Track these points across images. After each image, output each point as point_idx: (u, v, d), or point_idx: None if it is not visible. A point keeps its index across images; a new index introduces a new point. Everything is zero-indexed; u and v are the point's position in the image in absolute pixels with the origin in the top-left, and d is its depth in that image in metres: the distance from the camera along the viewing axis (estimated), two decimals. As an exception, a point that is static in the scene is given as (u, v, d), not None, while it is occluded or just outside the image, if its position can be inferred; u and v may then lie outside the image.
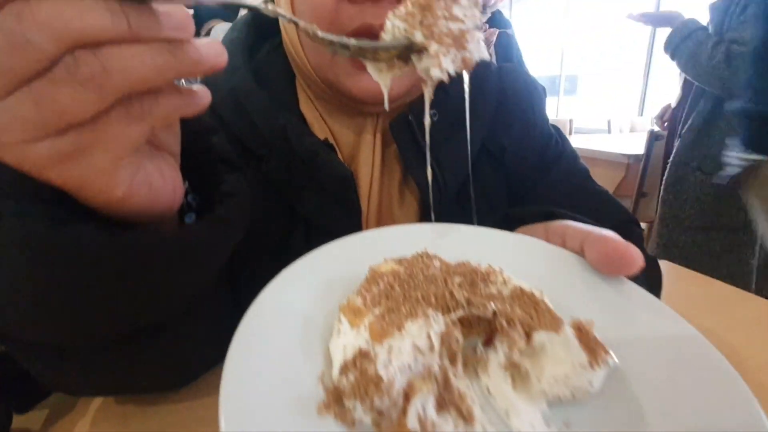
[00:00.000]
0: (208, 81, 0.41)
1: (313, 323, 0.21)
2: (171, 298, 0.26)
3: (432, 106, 0.40)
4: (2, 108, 0.16)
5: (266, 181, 0.39)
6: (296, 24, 0.21)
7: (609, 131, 2.87)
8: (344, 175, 0.38)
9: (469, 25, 0.21)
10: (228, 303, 0.35)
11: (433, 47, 0.21)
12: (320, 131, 0.41)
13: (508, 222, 0.33)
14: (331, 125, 0.42)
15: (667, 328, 0.22)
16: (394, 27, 0.22)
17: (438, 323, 0.18)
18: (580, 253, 0.26)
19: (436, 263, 0.23)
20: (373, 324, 0.18)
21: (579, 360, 0.19)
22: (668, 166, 1.39)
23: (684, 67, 1.28)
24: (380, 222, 0.44)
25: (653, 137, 1.71)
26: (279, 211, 0.40)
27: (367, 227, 0.43)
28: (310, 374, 0.18)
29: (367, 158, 0.41)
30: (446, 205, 0.42)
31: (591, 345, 0.19)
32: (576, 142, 2.51)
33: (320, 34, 0.21)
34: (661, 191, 1.40)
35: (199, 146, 0.28)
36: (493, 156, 0.44)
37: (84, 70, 0.16)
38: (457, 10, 0.21)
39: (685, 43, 1.23)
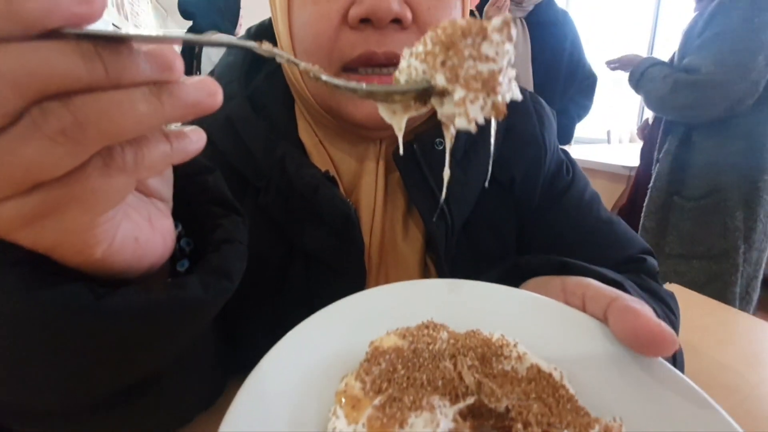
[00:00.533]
0: None
1: (306, 411, 0.19)
2: (161, 356, 0.24)
3: (437, 135, 0.39)
4: None
5: (264, 213, 0.38)
6: (296, 65, 0.19)
7: (609, 141, 2.86)
8: (346, 212, 0.36)
9: (502, 64, 0.17)
10: (220, 343, 0.33)
11: (459, 93, 0.17)
12: (320, 159, 0.39)
13: (519, 271, 0.31)
14: (332, 153, 0.40)
15: (701, 421, 0.19)
16: (410, 67, 0.18)
17: (446, 417, 0.16)
18: (603, 320, 0.24)
19: (444, 335, 0.21)
20: (372, 419, 0.16)
21: None
22: (648, 192, 1.36)
23: (647, 104, 1.32)
24: (383, 256, 0.42)
25: None
26: (277, 243, 0.38)
27: (370, 261, 0.42)
28: None
29: (370, 187, 0.39)
30: (452, 237, 0.41)
31: None
32: (576, 152, 2.51)
33: (324, 77, 0.19)
34: (642, 219, 1.36)
35: (194, 188, 0.26)
36: (501, 186, 0.42)
37: (53, 123, 0.14)
38: (486, 48, 0.17)
39: (642, 80, 1.27)
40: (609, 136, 2.87)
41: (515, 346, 0.21)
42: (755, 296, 1.29)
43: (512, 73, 0.18)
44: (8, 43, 0.13)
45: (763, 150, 1.09)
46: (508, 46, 0.17)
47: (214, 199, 0.27)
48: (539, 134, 0.44)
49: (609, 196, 1.93)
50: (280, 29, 0.36)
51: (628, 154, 2.16)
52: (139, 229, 0.20)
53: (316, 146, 0.40)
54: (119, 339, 0.21)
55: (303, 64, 0.19)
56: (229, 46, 0.19)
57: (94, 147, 0.15)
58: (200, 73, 1.82)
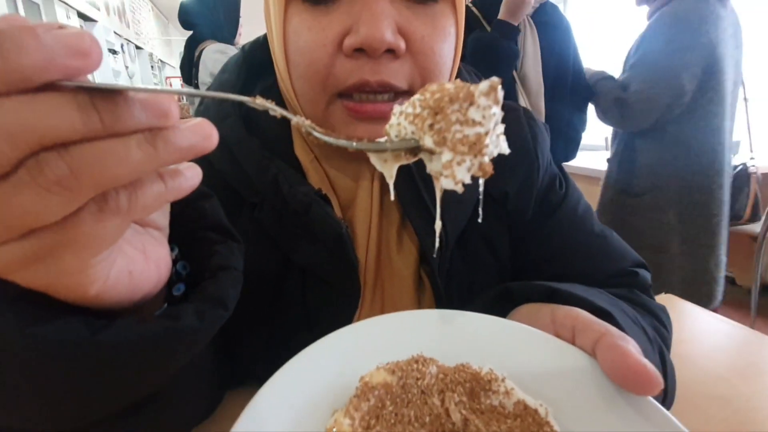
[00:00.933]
0: None
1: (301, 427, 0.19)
2: (156, 381, 0.24)
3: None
4: None
5: (260, 227, 0.38)
6: (289, 120, 0.19)
7: (606, 148, 2.86)
8: (338, 230, 0.36)
9: (488, 127, 0.18)
10: (218, 356, 0.34)
11: (446, 156, 0.18)
12: (316, 176, 0.40)
13: (510, 296, 0.32)
14: (328, 170, 0.40)
15: None
16: (400, 125, 0.19)
17: None
18: (592, 354, 0.24)
19: (433, 370, 0.21)
20: None
21: None
22: (600, 189, 1.51)
23: (596, 113, 1.44)
24: (379, 270, 0.43)
25: None
26: (274, 256, 0.38)
27: (365, 275, 0.42)
28: None
29: (365, 204, 0.40)
30: (446, 251, 0.41)
31: None
32: (575, 159, 2.51)
33: (316, 133, 0.19)
34: (597, 214, 1.47)
35: (191, 214, 0.26)
36: (495, 200, 0.43)
37: (49, 174, 0.14)
38: (473, 113, 0.18)
39: (594, 93, 1.39)
40: (607, 143, 2.88)
41: (503, 380, 0.21)
42: (719, 294, 1.35)
43: (500, 129, 0.19)
44: (5, 97, 0.13)
45: (691, 154, 1.20)
46: (495, 109, 0.18)
47: (210, 225, 0.27)
48: (532, 150, 0.44)
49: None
50: (276, 53, 0.36)
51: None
52: (133, 263, 0.21)
53: (312, 163, 0.40)
54: (115, 369, 0.21)
55: (295, 119, 0.19)
56: (225, 99, 0.19)
57: (89, 194, 0.15)
58: (198, 81, 1.83)
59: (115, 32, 6.13)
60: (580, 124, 1.43)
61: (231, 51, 1.80)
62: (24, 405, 0.21)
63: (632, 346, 0.23)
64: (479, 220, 0.35)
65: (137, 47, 7.36)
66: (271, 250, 0.39)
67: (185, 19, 1.85)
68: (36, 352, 0.19)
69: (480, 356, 0.23)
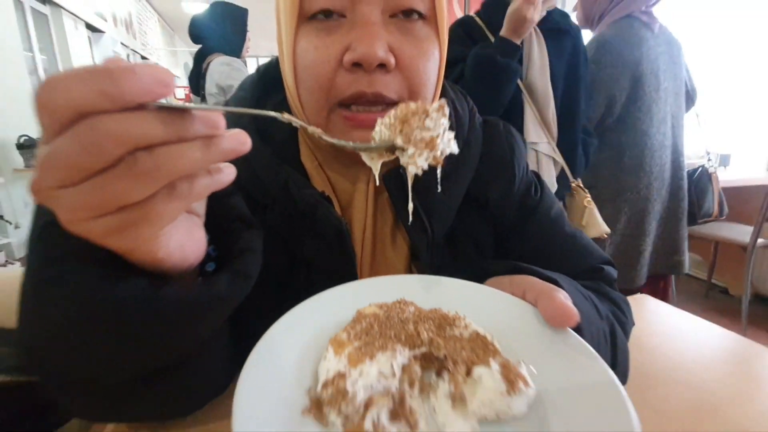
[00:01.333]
0: None
1: (308, 353, 0.25)
2: (192, 339, 0.29)
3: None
4: (73, 194, 0.20)
5: (270, 227, 0.43)
6: (305, 129, 0.26)
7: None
8: (339, 227, 0.41)
9: (438, 131, 0.26)
10: (230, 343, 0.38)
11: (410, 151, 0.26)
12: (319, 181, 0.45)
13: (483, 273, 0.37)
14: (330, 175, 0.45)
15: (588, 371, 0.25)
16: (381, 131, 0.27)
17: (402, 356, 0.23)
18: (536, 304, 0.30)
19: (411, 309, 0.28)
20: (351, 353, 0.23)
21: (500, 389, 0.23)
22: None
23: None
24: (374, 263, 0.47)
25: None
26: (282, 254, 0.43)
27: (362, 268, 0.46)
28: (299, 388, 0.23)
29: (362, 205, 0.44)
30: (436, 248, 0.46)
31: (511, 377, 0.23)
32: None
33: (324, 138, 0.26)
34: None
35: (221, 207, 0.31)
36: (480, 205, 0.48)
37: (140, 167, 0.19)
38: (428, 122, 0.26)
39: None
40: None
41: (464, 319, 0.27)
42: (640, 279, 1.47)
43: (450, 135, 0.27)
44: (114, 114, 0.18)
45: (624, 156, 1.36)
46: (443, 120, 0.26)
47: (236, 216, 0.33)
48: (509, 160, 0.49)
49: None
50: (286, 71, 0.41)
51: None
52: (184, 239, 0.26)
53: (316, 169, 0.45)
54: (164, 323, 0.26)
55: (311, 129, 0.26)
56: (257, 115, 0.26)
57: (163, 182, 0.21)
58: (204, 92, 1.91)
59: (122, 43, 6.26)
60: (590, 139, 1.38)
61: (236, 63, 1.88)
62: (90, 354, 0.26)
63: (561, 294, 0.30)
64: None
65: (143, 57, 7.50)
66: (279, 247, 0.43)
67: (194, 32, 1.94)
68: (113, 302, 0.24)
69: (449, 305, 0.29)
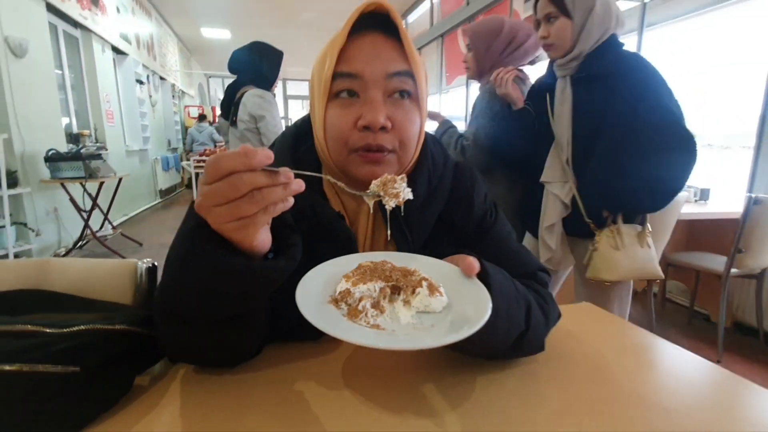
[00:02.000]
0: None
1: (331, 281, 0.44)
2: (261, 294, 0.46)
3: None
4: (220, 210, 0.37)
5: (300, 234, 0.60)
6: (336, 183, 0.47)
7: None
8: (349, 237, 0.57)
9: (401, 188, 0.46)
10: (266, 319, 0.53)
11: (386, 198, 0.46)
12: (335, 203, 0.61)
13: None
14: (343, 200, 0.62)
15: (477, 291, 0.44)
16: (373, 186, 0.47)
17: (380, 284, 0.43)
18: (457, 264, 0.48)
19: (389, 265, 0.47)
20: (353, 280, 0.42)
21: (426, 294, 0.42)
22: None
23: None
24: None
25: (752, 201, 1.97)
26: (307, 253, 0.56)
27: None
28: (327, 294, 0.42)
29: (364, 222, 0.61)
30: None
31: (433, 290, 0.42)
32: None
33: (340, 184, 0.47)
34: None
35: (278, 218, 0.46)
36: (447, 225, 0.63)
37: (255, 198, 0.36)
38: (396, 185, 0.46)
39: (443, 137, 1.70)
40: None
41: (418, 271, 0.46)
42: None
43: (408, 190, 0.47)
44: (246, 172, 0.35)
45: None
46: (404, 184, 0.46)
47: (287, 225, 0.49)
48: (470, 194, 0.65)
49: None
50: (317, 129, 0.58)
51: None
52: (263, 236, 0.42)
53: (334, 196, 0.62)
54: (252, 278, 0.41)
55: (339, 184, 0.47)
56: (307, 175, 0.41)
57: (264, 205, 0.37)
58: (237, 118, 2.13)
59: (143, 65, 6.61)
60: (665, 172, 1.18)
61: (268, 96, 2.12)
62: (201, 301, 0.42)
63: (470, 258, 0.47)
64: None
65: (161, 78, 7.86)
66: (305, 249, 0.55)
67: (233, 65, 2.17)
68: (226, 269, 0.39)
69: (412, 265, 0.47)
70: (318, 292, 0.43)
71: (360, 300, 0.42)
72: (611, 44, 1.25)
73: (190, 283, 0.42)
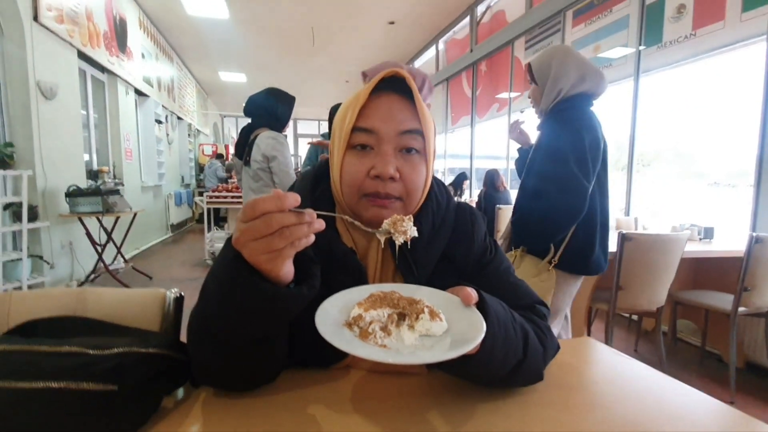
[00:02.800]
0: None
1: (346, 308, 0.50)
2: (283, 318, 0.51)
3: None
4: (255, 244, 0.43)
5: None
6: (352, 222, 0.54)
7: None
8: (361, 270, 0.63)
9: (408, 227, 0.52)
10: (286, 344, 0.58)
11: (396, 235, 0.51)
12: (347, 239, 0.67)
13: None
14: (354, 236, 0.67)
15: (475, 317, 0.49)
16: (385, 224, 0.53)
17: (388, 311, 0.49)
18: (457, 294, 0.53)
19: (397, 295, 0.52)
20: (365, 307, 0.48)
21: (428, 320, 0.48)
22: None
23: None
24: None
25: (623, 238, 1.98)
26: (323, 284, 0.60)
27: None
28: (342, 319, 0.49)
29: (374, 257, 0.66)
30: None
31: (434, 316, 0.47)
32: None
33: (356, 222, 0.54)
34: None
35: (300, 252, 0.51)
36: (449, 261, 0.68)
37: (285, 234, 0.42)
38: (404, 223, 0.52)
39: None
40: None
41: (423, 300, 0.51)
42: None
43: (413, 228, 0.53)
44: (278, 213, 0.42)
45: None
46: (410, 223, 0.52)
47: (307, 257, 0.54)
48: (471, 232, 0.71)
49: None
50: (335, 175, 0.65)
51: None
52: (288, 268, 0.48)
53: (345, 232, 0.68)
54: (277, 304, 0.47)
55: (356, 223, 0.54)
56: (327, 216, 0.48)
57: (291, 240, 0.43)
58: (250, 158, 2.25)
59: (163, 105, 6.95)
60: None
61: (280, 138, 2.27)
62: (234, 318, 0.47)
63: (468, 289, 0.51)
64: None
65: (179, 117, 8.23)
66: (321, 280, 0.60)
67: (250, 109, 2.34)
68: (255, 293, 0.44)
69: (418, 296, 0.52)
70: (335, 317, 0.49)
71: (370, 323, 0.48)
72: (559, 104, 1.54)
73: (227, 305, 0.47)
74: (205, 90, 10.99)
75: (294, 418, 0.52)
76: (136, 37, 5.70)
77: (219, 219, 6.72)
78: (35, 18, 3.35)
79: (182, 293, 0.72)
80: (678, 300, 2.39)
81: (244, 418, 0.52)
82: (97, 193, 3.62)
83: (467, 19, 6.07)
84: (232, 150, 8.34)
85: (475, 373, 0.55)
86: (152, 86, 6.42)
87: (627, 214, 3.43)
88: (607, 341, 2.09)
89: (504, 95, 5.37)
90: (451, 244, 0.69)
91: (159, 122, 6.78)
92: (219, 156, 8.95)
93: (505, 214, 4.25)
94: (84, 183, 4.06)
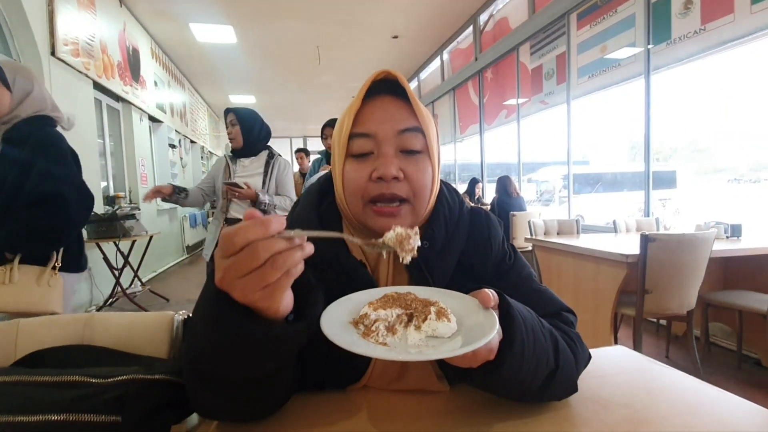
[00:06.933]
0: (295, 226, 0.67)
1: (358, 307, 0.49)
2: (284, 356, 0.47)
3: (424, 238, 0.64)
4: (244, 281, 0.37)
5: (325, 282, 0.62)
6: (357, 242, 0.49)
7: (615, 231, 3.05)
8: (371, 283, 0.59)
9: (413, 244, 0.48)
10: (292, 373, 0.54)
11: (401, 252, 0.48)
12: (357, 252, 0.64)
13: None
14: (363, 249, 0.64)
15: (490, 318, 0.46)
16: (388, 239, 0.49)
17: (398, 311, 0.47)
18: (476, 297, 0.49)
19: (411, 295, 0.50)
20: (375, 306, 0.47)
21: (434, 320, 0.45)
22: None
23: None
24: None
25: (646, 239, 1.90)
26: (333, 299, 0.57)
27: None
28: (349, 318, 0.48)
29: (385, 269, 0.63)
30: None
31: (440, 316, 0.46)
32: (582, 241, 2.69)
33: (358, 242, 0.49)
34: None
35: (299, 278, 0.47)
36: (466, 269, 0.65)
37: (276, 263, 0.37)
38: (410, 240, 0.48)
39: None
40: (615, 226, 3.07)
41: (438, 302, 0.48)
42: None
43: (418, 240, 0.49)
44: (264, 240, 0.36)
45: None
46: (417, 237, 0.48)
47: (306, 283, 0.49)
48: (487, 238, 0.67)
49: (612, 280, 2.08)
50: (337, 184, 0.63)
51: (629, 243, 2.32)
52: (286, 301, 0.44)
53: (354, 245, 0.64)
54: (274, 342, 0.43)
55: (359, 241, 0.49)
56: (329, 239, 0.46)
57: (285, 269, 0.37)
58: (269, 181, 2.36)
59: (176, 130, 7.12)
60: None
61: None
62: (227, 358, 0.42)
63: (487, 291, 0.47)
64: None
65: (191, 141, 8.40)
66: (331, 295, 0.56)
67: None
68: (252, 334, 0.40)
69: (435, 298, 0.50)
70: (343, 315, 0.48)
71: (375, 322, 0.46)
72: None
73: (217, 347, 0.43)
74: (216, 113, 11.24)
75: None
76: (148, 66, 5.87)
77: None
78: (52, 53, 3.46)
79: (190, 315, 0.69)
80: (709, 302, 2.28)
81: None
82: (115, 219, 3.67)
83: (470, 29, 6.10)
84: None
85: (505, 384, 0.50)
86: (165, 112, 6.58)
87: (647, 214, 3.32)
88: (636, 348, 2.00)
89: (512, 101, 5.34)
90: (467, 252, 0.66)
91: (173, 146, 6.93)
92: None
93: (520, 221, 4.18)
94: (101, 209, 4.14)
